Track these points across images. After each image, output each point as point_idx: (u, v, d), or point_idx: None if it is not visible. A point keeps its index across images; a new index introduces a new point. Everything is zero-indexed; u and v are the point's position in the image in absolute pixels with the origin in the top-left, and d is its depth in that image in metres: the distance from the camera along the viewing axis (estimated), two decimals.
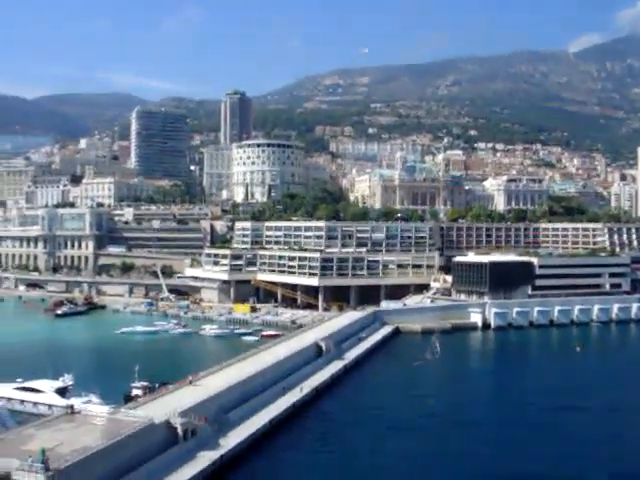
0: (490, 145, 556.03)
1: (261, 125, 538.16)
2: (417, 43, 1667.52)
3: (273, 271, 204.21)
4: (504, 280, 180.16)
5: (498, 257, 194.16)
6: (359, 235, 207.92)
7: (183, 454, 69.97)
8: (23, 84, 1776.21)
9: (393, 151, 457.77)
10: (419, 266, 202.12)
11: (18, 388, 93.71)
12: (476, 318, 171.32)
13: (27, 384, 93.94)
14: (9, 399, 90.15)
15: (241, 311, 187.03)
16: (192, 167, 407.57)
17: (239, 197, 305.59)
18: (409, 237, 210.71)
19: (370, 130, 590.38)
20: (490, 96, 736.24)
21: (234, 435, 78.30)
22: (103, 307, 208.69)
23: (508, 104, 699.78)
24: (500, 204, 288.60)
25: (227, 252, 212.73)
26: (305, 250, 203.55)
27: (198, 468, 68.06)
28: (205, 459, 70.35)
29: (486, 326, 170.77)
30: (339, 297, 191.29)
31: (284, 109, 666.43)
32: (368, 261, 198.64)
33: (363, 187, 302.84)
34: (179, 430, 71.47)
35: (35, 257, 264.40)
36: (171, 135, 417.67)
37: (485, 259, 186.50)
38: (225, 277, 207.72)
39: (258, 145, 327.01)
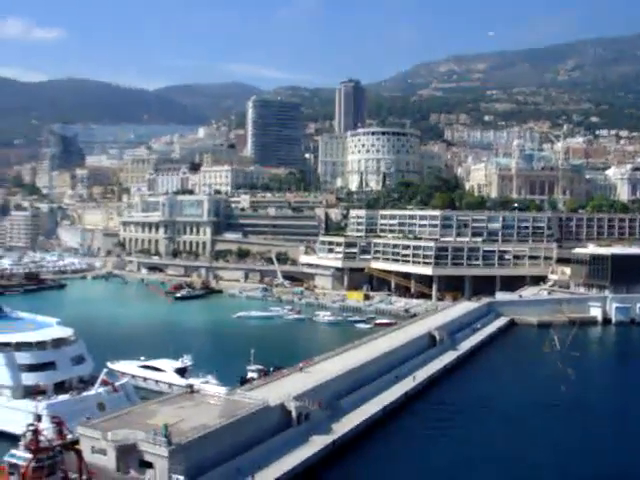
0: (613, 132, 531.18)
1: (375, 113, 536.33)
2: (536, 26, 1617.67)
3: (387, 259, 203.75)
4: (627, 273, 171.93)
5: (621, 249, 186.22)
6: (475, 224, 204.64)
7: (296, 437, 71.26)
8: (146, 76, 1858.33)
9: (510, 139, 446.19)
10: (536, 257, 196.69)
11: (141, 366, 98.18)
12: (596, 312, 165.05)
13: (150, 363, 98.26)
14: (133, 376, 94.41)
15: (354, 299, 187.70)
16: (307, 155, 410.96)
17: (354, 185, 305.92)
18: (526, 227, 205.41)
19: (486, 117, 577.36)
20: (614, 80, 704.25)
21: (346, 421, 79.02)
22: (220, 291, 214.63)
23: (633, 88, 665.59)
24: (623, 194, 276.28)
25: (341, 240, 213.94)
26: (420, 239, 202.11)
27: (311, 451, 69.20)
28: (318, 443, 71.37)
29: (607, 321, 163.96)
30: (453, 287, 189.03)
31: (398, 97, 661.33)
32: (483, 251, 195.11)
33: (479, 176, 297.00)
34: (293, 414, 72.87)
35: (156, 242, 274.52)
36: (286, 123, 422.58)
37: (607, 251, 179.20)
38: (339, 264, 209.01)
39: (373, 133, 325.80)
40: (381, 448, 76.61)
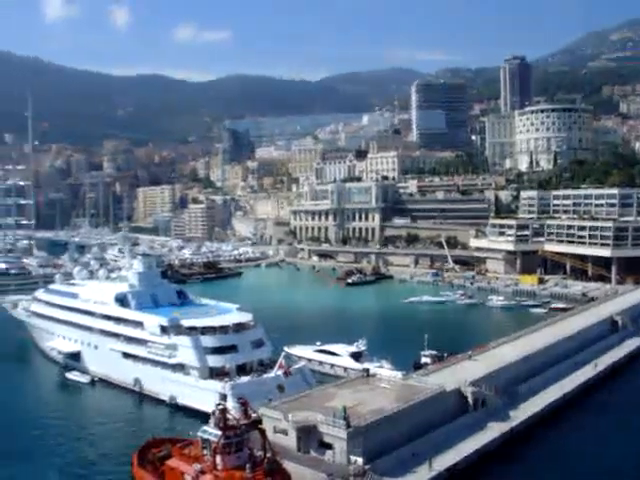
0: None
1: (543, 89, 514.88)
2: None
3: (561, 241, 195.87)
4: None
5: None
6: None
7: (473, 423, 70.28)
8: (308, 68, 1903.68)
9: None
10: None
11: (317, 350, 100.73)
12: None
13: (325, 347, 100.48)
14: (310, 360, 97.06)
15: (528, 282, 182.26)
16: (473, 137, 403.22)
17: (523, 166, 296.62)
18: None
19: None
20: None
21: (524, 408, 76.98)
22: (390, 277, 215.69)
23: None
24: None
25: (512, 222, 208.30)
26: (596, 219, 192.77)
27: (488, 438, 67.91)
28: (495, 430, 69.97)
29: None
30: (635, 269, 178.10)
31: (567, 70, 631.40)
32: None
33: None
34: (470, 399, 72.03)
35: (326, 229, 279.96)
36: (451, 106, 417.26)
37: None
38: (511, 248, 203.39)
39: (542, 111, 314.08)
40: (561, 437, 73.62)
